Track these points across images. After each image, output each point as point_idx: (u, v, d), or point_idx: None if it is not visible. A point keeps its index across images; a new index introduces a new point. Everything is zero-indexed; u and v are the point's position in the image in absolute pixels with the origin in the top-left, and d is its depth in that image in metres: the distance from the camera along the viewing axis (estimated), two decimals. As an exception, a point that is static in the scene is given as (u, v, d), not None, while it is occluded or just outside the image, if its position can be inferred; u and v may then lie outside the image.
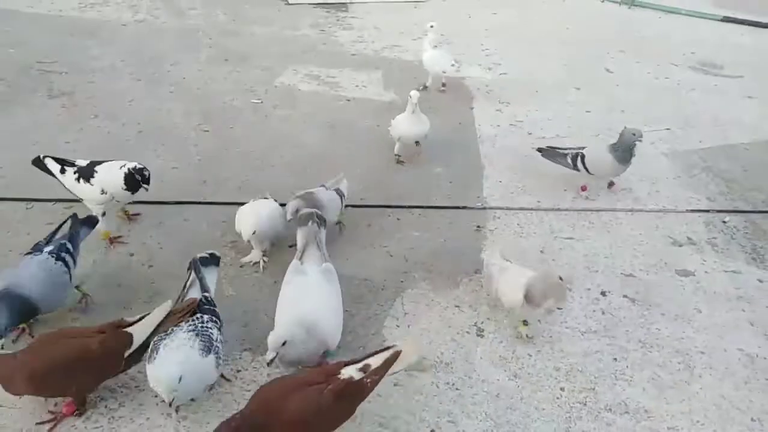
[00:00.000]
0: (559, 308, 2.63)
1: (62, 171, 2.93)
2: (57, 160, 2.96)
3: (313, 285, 2.46)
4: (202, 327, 2.18)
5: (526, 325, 2.65)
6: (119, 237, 3.07)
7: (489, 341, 2.65)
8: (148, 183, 2.83)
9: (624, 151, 3.49)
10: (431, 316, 2.76)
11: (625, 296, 2.96)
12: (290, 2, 6.57)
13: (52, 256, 2.46)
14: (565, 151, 3.64)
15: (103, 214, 2.93)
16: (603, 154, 3.54)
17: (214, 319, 2.25)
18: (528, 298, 2.49)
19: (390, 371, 2.11)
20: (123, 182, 2.82)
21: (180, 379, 1.99)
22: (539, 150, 3.73)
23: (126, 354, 2.15)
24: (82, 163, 2.93)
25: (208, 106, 4.42)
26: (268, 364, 2.18)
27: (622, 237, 3.39)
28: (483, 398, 2.38)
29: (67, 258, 2.51)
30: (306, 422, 1.93)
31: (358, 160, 3.92)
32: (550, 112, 4.70)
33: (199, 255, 2.53)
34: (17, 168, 3.54)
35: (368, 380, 2.05)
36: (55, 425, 2.13)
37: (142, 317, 2.23)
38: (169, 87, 4.66)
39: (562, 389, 2.45)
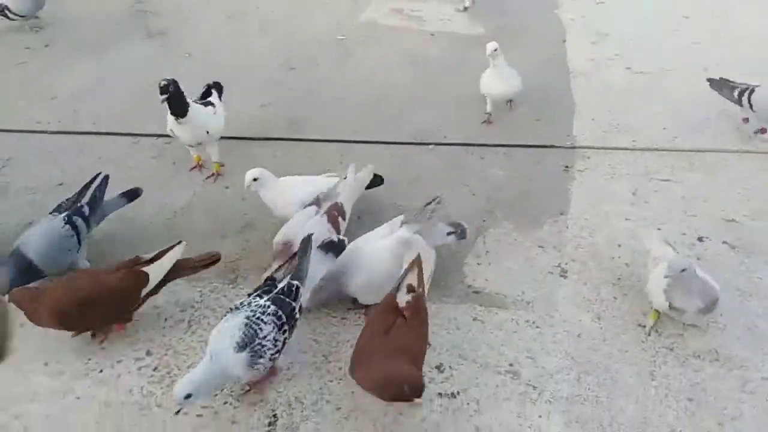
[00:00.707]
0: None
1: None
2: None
3: (379, 240, 2.49)
4: (257, 319, 1.97)
5: (657, 317, 2.40)
6: (203, 167, 3.25)
7: (573, 282, 2.60)
8: (161, 92, 2.76)
9: None
10: (513, 255, 2.74)
11: (724, 242, 2.77)
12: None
13: (64, 219, 2.47)
14: (737, 85, 3.37)
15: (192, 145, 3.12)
16: None
17: (279, 314, 2.01)
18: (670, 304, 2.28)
19: (426, 280, 2.27)
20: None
21: (188, 396, 1.87)
22: (709, 80, 3.47)
23: (143, 293, 2.26)
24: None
25: (294, 44, 4.46)
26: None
27: (727, 180, 3.14)
28: (563, 337, 2.37)
29: (78, 222, 2.49)
30: (421, 353, 2.04)
31: (441, 97, 3.84)
32: (653, 44, 4.33)
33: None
34: (124, 104, 3.80)
35: (423, 293, 2.17)
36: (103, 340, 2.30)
37: (157, 255, 2.29)
38: (258, 24, 4.73)
39: (648, 333, 2.38)
